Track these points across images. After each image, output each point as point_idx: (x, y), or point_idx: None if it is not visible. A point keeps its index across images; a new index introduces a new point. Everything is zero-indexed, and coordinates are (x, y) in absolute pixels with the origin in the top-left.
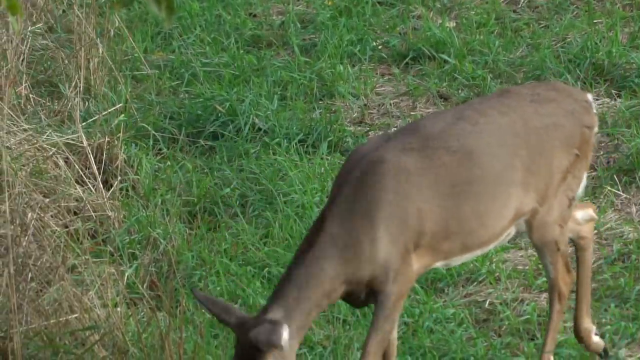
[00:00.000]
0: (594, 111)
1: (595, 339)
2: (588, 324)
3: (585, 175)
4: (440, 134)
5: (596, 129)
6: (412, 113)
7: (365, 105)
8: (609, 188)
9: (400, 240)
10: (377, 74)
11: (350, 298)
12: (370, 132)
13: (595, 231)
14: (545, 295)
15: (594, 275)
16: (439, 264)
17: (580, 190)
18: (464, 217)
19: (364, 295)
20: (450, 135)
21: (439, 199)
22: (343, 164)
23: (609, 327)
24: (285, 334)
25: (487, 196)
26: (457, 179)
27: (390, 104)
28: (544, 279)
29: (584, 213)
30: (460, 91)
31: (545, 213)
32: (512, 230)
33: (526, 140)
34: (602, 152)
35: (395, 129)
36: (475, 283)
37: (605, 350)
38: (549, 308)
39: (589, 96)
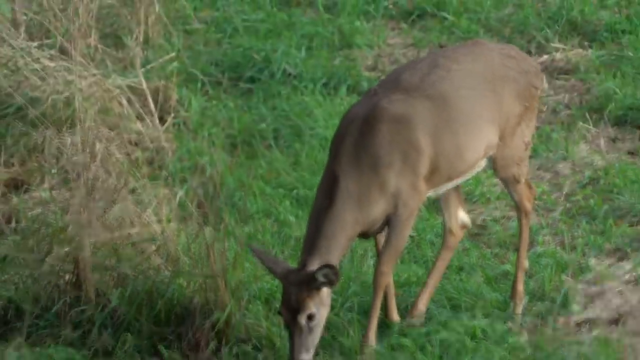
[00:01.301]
0: (543, 77)
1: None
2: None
3: (534, 126)
4: (419, 83)
5: (541, 91)
6: None
7: (378, 54)
8: (581, 123)
9: (406, 174)
10: (388, 28)
11: (364, 235)
12: (382, 77)
13: (570, 160)
14: None
15: (568, 197)
16: (430, 193)
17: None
18: (447, 152)
19: (380, 226)
20: (427, 83)
21: (429, 138)
22: (338, 125)
23: (580, 240)
24: (322, 273)
25: (462, 133)
26: (438, 121)
27: (399, 54)
28: None
29: (462, 216)
30: (457, 42)
31: (506, 151)
32: (483, 163)
33: (492, 85)
34: (575, 94)
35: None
36: (469, 203)
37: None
38: (518, 224)
39: (539, 66)
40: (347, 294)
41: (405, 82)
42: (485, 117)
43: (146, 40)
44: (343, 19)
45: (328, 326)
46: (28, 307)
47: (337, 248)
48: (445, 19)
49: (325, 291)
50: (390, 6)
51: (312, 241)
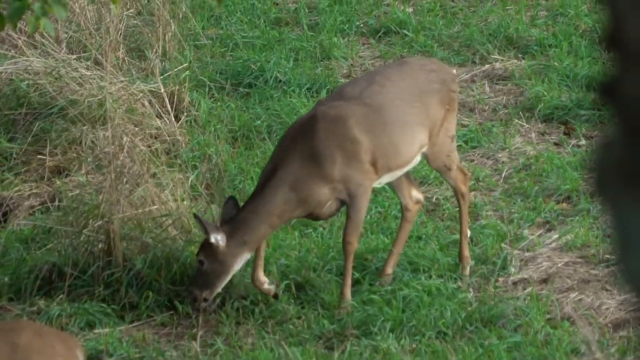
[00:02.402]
0: (456, 81)
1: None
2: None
3: (455, 121)
4: (358, 95)
5: (457, 93)
6: None
7: (351, 64)
8: (516, 120)
9: (350, 162)
10: (360, 43)
11: (314, 216)
12: None
13: (507, 150)
14: (473, 193)
15: (506, 180)
16: (375, 183)
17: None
18: (384, 149)
19: (333, 209)
20: (365, 95)
21: (364, 134)
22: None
23: (516, 215)
24: (218, 236)
25: (397, 134)
26: (374, 123)
27: (369, 64)
28: (473, 181)
29: (415, 194)
30: (415, 55)
31: (436, 147)
32: (418, 158)
33: (419, 97)
34: (511, 96)
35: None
36: (426, 184)
37: None
38: (458, 207)
39: (454, 71)
40: (327, 259)
41: (346, 94)
42: (415, 122)
43: (164, 54)
44: (323, 35)
45: (313, 284)
46: (68, 270)
47: (254, 220)
48: (406, 35)
49: (217, 248)
50: (362, 25)
51: (237, 214)
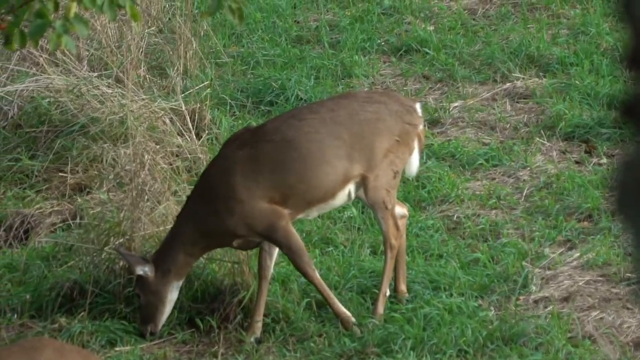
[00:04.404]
0: (419, 114)
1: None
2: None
3: (412, 157)
4: (270, 129)
5: (421, 127)
6: (404, 88)
7: (372, 82)
8: (537, 138)
9: (251, 201)
10: (381, 61)
11: (240, 247)
12: None
13: (528, 169)
14: (494, 211)
15: (527, 198)
16: (299, 216)
17: (414, 169)
18: (292, 184)
19: (256, 241)
20: (277, 130)
21: (264, 175)
22: None
23: (537, 233)
24: (145, 268)
25: (309, 168)
26: (277, 160)
27: (390, 82)
28: (494, 199)
29: (399, 210)
30: (437, 73)
31: (374, 180)
32: (351, 189)
33: (349, 127)
34: (533, 115)
35: None
36: (447, 203)
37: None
38: (384, 257)
39: (417, 105)
40: (348, 277)
41: (262, 128)
42: (336, 155)
43: (185, 71)
44: (344, 54)
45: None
46: (89, 287)
47: (172, 249)
48: (427, 53)
49: (146, 280)
50: (383, 43)
51: (162, 244)
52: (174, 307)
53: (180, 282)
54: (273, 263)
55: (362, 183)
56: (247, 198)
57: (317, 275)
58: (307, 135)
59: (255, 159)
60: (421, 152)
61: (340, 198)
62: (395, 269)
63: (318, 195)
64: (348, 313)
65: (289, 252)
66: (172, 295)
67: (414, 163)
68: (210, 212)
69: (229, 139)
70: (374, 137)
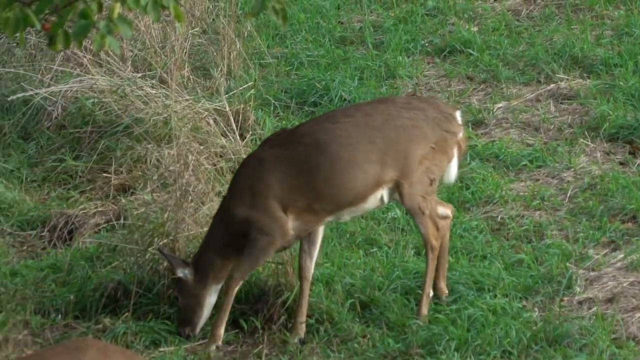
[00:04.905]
0: (459, 122)
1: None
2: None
3: (451, 164)
4: (303, 132)
5: (461, 135)
6: (448, 89)
7: (416, 84)
8: (581, 139)
9: (257, 206)
10: (425, 62)
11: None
12: None
13: (572, 170)
14: (538, 212)
15: (571, 199)
16: (329, 219)
17: (452, 176)
18: (319, 188)
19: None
20: (309, 132)
21: (291, 177)
22: None
23: (581, 234)
24: (185, 270)
25: (338, 172)
26: (307, 163)
27: (434, 83)
28: (538, 200)
29: (443, 210)
30: (480, 74)
31: (409, 186)
32: (384, 194)
33: (384, 133)
34: (577, 116)
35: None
36: (491, 204)
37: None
38: (425, 259)
39: (457, 113)
40: (392, 277)
41: (295, 131)
42: (368, 159)
43: (229, 72)
44: (388, 54)
45: (378, 303)
46: (133, 288)
47: (207, 252)
48: (471, 54)
49: (186, 283)
50: (427, 44)
51: (200, 246)
52: (218, 307)
53: (219, 286)
54: (313, 264)
55: (397, 189)
56: (266, 194)
57: (234, 293)
58: (339, 139)
59: (285, 160)
60: (460, 159)
61: (372, 202)
62: (436, 267)
63: (348, 198)
64: (222, 335)
65: (247, 261)
66: (211, 299)
67: (452, 170)
68: (238, 210)
69: (265, 139)
70: (408, 143)
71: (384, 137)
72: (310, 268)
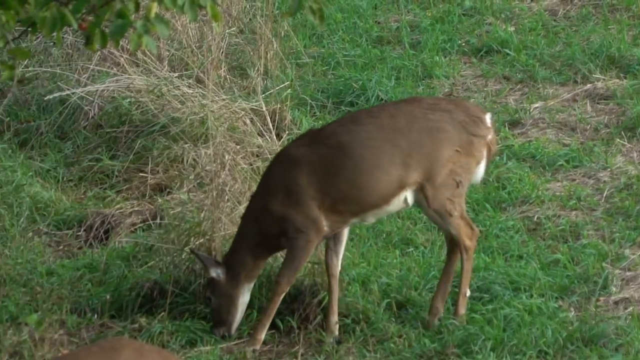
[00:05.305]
0: (487, 125)
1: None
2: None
3: (479, 167)
4: (328, 133)
5: (490, 137)
6: (484, 89)
7: (453, 83)
8: (618, 139)
9: (291, 204)
10: (461, 62)
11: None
12: None
13: (609, 169)
14: (574, 212)
15: (607, 199)
16: (354, 220)
17: (479, 177)
18: (342, 190)
19: (283, 242)
20: (333, 134)
21: (317, 177)
22: None
23: (617, 234)
24: (218, 270)
25: (360, 174)
26: (331, 164)
27: (470, 83)
28: (575, 200)
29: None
30: (517, 74)
31: (434, 189)
32: (407, 196)
33: (407, 135)
34: (613, 116)
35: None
36: (527, 204)
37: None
38: (461, 259)
39: (487, 116)
40: (428, 277)
41: (321, 132)
42: (391, 161)
43: (266, 72)
44: (425, 54)
45: (414, 303)
46: (169, 287)
47: (239, 251)
48: (508, 54)
49: (219, 283)
50: (463, 44)
51: (231, 246)
52: (253, 308)
53: (252, 284)
54: (340, 260)
55: (421, 191)
56: (301, 193)
57: (280, 299)
58: (362, 141)
59: (312, 160)
60: (489, 161)
61: (396, 204)
62: (438, 285)
63: (371, 201)
64: (261, 341)
65: (290, 263)
66: (244, 298)
67: (479, 172)
68: (275, 208)
69: (295, 139)
70: (433, 146)
71: (408, 140)
72: (337, 265)
